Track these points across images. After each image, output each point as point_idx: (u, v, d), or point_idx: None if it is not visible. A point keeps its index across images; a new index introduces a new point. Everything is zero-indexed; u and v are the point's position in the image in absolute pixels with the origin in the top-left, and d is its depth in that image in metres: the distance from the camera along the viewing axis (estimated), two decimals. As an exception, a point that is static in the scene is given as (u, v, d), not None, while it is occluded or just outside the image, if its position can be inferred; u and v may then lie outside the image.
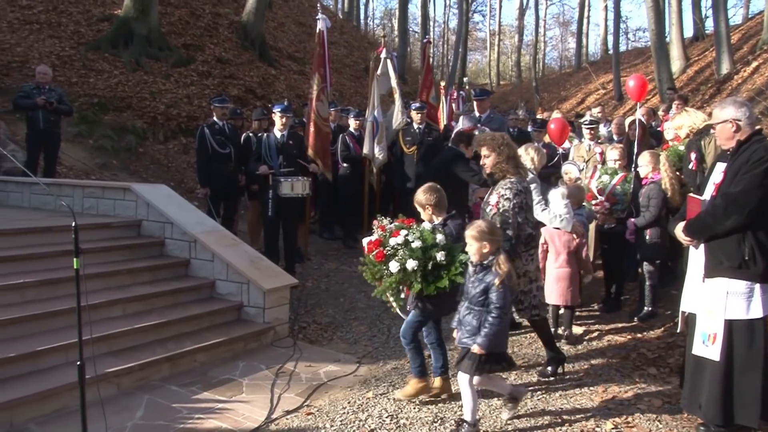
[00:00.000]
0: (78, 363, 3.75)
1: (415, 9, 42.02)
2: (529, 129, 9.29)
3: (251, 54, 16.53)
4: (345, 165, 9.71)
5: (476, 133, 8.23)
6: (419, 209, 4.73)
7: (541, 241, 6.09)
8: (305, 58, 18.81)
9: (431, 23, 45.30)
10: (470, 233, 4.15)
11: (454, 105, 14.73)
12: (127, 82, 13.01)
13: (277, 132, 7.98)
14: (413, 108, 9.65)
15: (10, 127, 9.82)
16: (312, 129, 9.08)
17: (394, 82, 10.14)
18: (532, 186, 5.46)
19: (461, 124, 9.43)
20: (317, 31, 9.82)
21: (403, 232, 4.46)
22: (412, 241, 4.39)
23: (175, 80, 13.85)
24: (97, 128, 11.61)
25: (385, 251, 4.45)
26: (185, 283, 6.37)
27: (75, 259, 3.74)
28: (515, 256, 4.67)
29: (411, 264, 4.29)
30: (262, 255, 6.91)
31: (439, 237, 4.42)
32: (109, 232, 6.67)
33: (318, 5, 10.89)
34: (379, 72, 9.91)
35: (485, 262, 4.13)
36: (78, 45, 13.78)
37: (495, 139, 4.89)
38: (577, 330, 6.36)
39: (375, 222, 4.71)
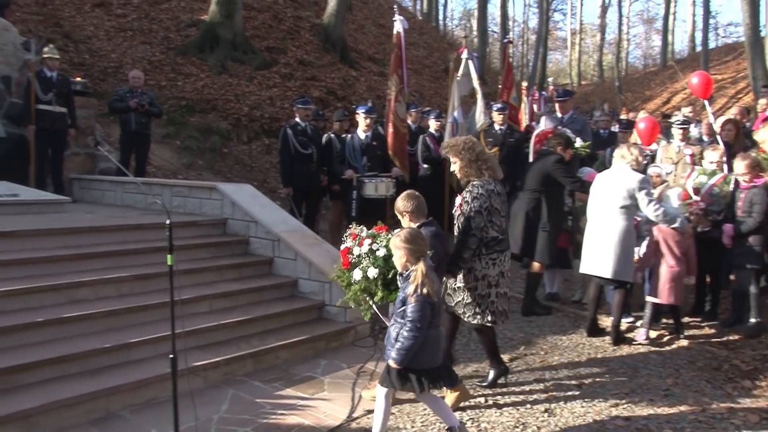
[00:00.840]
0: (171, 356, 3.86)
1: (494, 9, 41.67)
2: (615, 129, 9.06)
3: (332, 56, 16.75)
4: (425, 166, 9.70)
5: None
6: (398, 216, 4.67)
7: (653, 239, 6.15)
8: (385, 60, 18.91)
9: (510, 23, 44.80)
10: (392, 242, 4.04)
11: (535, 106, 14.53)
12: (212, 85, 13.40)
13: (361, 133, 8.05)
14: (495, 109, 9.56)
15: (105, 129, 10.27)
16: (390, 130, 9.12)
17: (475, 83, 10.07)
18: (643, 185, 5.66)
19: (543, 125, 9.29)
20: (395, 32, 9.86)
21: (367, 241, 4.52)
22: (377, 250, 4.42)
23: (259, 82, 14.17)
24: (184, 129, 12.01)
25: (350, 259, 4.53)
26: (269, 281, 6.50)
27: (169, 256, 3.87)
28: (469, 262, 4.71)
29: (372, 272, 4.34)
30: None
31: (382, 252, 4.39)
32: (196, 230, 6.89)
33: (395, 6, 10.92)
34: (460, 73, 9.86)
35: (405, 273, 3.96)
36: (167, 50, 14.32)
37: (457, 144, 4.93)
38: (651, 334, 6.27)
39: (348, 229, 4.78)
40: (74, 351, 4.67)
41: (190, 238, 6.69)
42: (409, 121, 9.99)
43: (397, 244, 3.95)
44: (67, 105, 8.79)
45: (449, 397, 4.65)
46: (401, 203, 4.61)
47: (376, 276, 4.36)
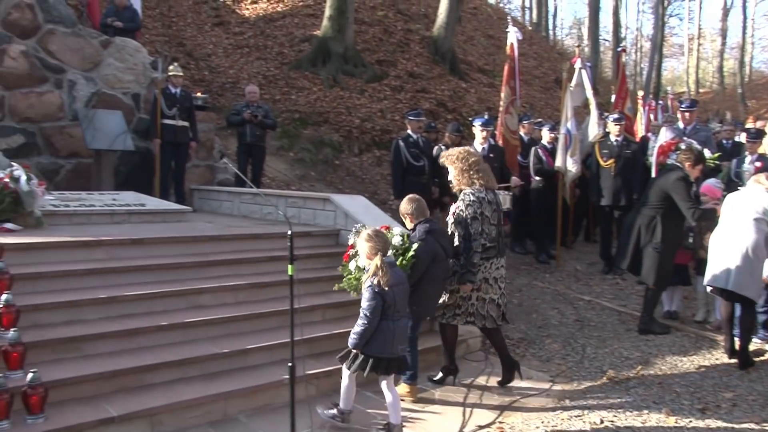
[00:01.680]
0: (290, 364, 3.93)
1: (605, 16, 40.51)
2: (738, 139, 8.56)
3: (442, 68, 16.77)
4: (537, 178, 9.51)
5: (681, 146, 7.73)
6: (402, 217, 5.21)
7: None
8: (495, 71, 18.75)
9: (623, 30, 43.38)
10: (359, 238, 4.50)
11: (652, 116, 13.94)
12: (324, 98, 13.71)
13: (478, 145, 7.97)
14: (611, 119, 9.24)
15: (223, 142, 10.70)
16: (501, 142, 9.00)
17: (589, 93, 9.80)
18: None
19: (663, 136, 8.91)
20: (508, 43, 9.74)
21: None
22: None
23: (370, 95, 14.37)
24: (298, 142, 12.33)
25: (349, 253, 5.07)
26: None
27: (290, 266, 3.95)
28: (473, 267, 5.00)
29: (362, 262, 4.68)
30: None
31: (397, 240, 4.92)
32: (310, 240, 7.01)
33: (509, 17, 10.80)
34: (573, 83, 9.62)
35: (366, 267, 4.38)
36: (281, 65, 14.79)
37: (452, 155, 5.27)
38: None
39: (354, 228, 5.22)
40: (195, 354, 4.85)
41: (304, 248, 6.81)
42: (521, 133, 9.84)
43: (360, 240, 4.43)
44: (189, 119, 9.23)
45: (401, 387, 5.05)
46: (403, 206, 5.14)
47: (364, 266, 4.69)
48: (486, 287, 5.18)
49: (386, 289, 4.20)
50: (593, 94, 9.90)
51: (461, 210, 5.10)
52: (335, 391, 5.08)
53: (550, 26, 40.84)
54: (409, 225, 5.14)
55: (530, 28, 31.22)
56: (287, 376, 4.03)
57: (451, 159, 5.27)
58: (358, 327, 4.29)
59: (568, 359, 6.17)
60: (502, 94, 9.30)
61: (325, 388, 5.12)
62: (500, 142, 8.99)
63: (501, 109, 9.18)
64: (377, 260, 4.25)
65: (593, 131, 9.65)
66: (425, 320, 5.53)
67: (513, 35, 9.58)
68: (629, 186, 8.85)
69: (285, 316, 5.55)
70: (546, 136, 9.81)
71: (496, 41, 21.74)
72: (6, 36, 8.63)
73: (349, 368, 4.42)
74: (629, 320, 7.24)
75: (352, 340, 4.32)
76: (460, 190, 5.22)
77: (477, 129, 8.04)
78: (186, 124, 9.17)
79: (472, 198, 5.07)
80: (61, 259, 5.49)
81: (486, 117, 8.55)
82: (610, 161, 8.95)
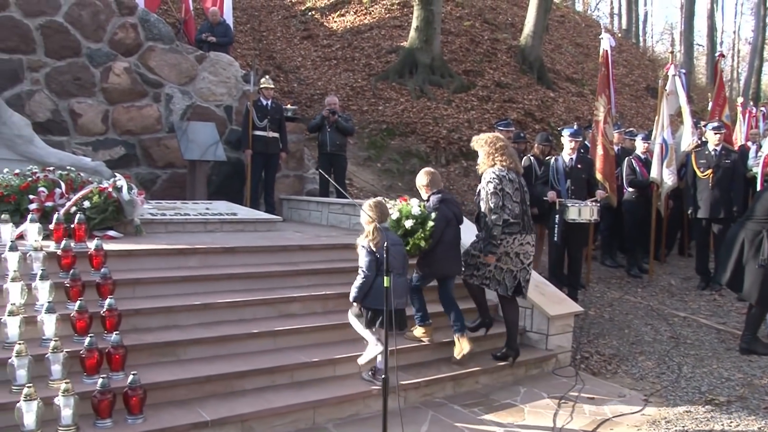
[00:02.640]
0: (383, 376, 3.94)
1: (699, 20, 38.91)
2: None
3: (529, 77, 16.52)
4: (630, 190, 9.21)
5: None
6: (419, 190, 5.79)
7: None
8: (583, 80, 18.35)
9: (718, 34, 41.56)
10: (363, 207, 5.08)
11: (752, 123, 13.30)
12: (411, 109, 13.73)
13: (566, 156, 7.78)
14: (710, 128, 8.85)
15: (311, 153, 10.87)
16: (600, 152, 8.75)
17: (683, 101, 9.45)
18: None
19: (768, 146, 8.47)
20: (601, 50, 9.49)
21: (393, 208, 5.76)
22: (391, 214, 5.57)
23: (457, 105, 14.31)
24: (385, 152, 12.40)
25: None
26: (472, 305, 6.42)
27: (386, 278, 3.97)
28: (493, 239, 5.33)
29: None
30: (546, 280, 6.79)
31: (416, 210, 5.60)
32: (397, 251, 7.01)
33: (602, 24, 10.54)
34: (667, 90, 9.29)
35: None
36: (369, 76, 14.92)
37: (481, 138, 5.66)
38: None
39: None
40: (285, 363, 4.93)
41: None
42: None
43: (363, 209, 4.98)
44: (279, 130, 9.43)
45: (417, 330, 5.60)
46: (419, 178, 5.75)
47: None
48: (506, 259, 5.47)
49: (375, 249, 4.80)
50: (687, 102, 9.53)
51: (483, 187, 5.47)
52: (423, 404, 5.09)
53: (641, 32, 39.61)
54: (424, 195, 5.74)
55: (619, 35, 30.37)
56: (377, 387, 4.03)
57: (480, 143, 5.64)
58: (356, 282, 4.91)
59: (663, 378, 5.93)
60: (599, 103, 9.05)
61: (413, 399, 5.11)
62: (600, 153, 8.73)
63: (599, 118, 8.91)
64: (372, 227, 4.87)
65: (687, 141, 9.29)
66: (451, 278, 5.82)
67: (606, 42, 9.32)
68: (728, 198, 8.45)
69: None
70: (640, 146, 9.49)
71: (584, 49, 21.27)
72: (112, 54, 9.10)
73: (360, 320, 4.97)
74: (729, 339, 6.90)
75: (352, 293, 4.92)
76: (485, 171, 5.55)
77: (566, 139, 7.84)
78: (276, 135, 9.37)
79: (492, 175, 5.41)
80: (158, 266, 5.71)
81: (575, 127, 8.34)
82: (708, 172, 8.57)
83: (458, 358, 5.46)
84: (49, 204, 6.17)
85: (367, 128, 12.71)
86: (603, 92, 9.04)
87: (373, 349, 4.93)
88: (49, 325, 4.39)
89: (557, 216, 7.49)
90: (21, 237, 5.42)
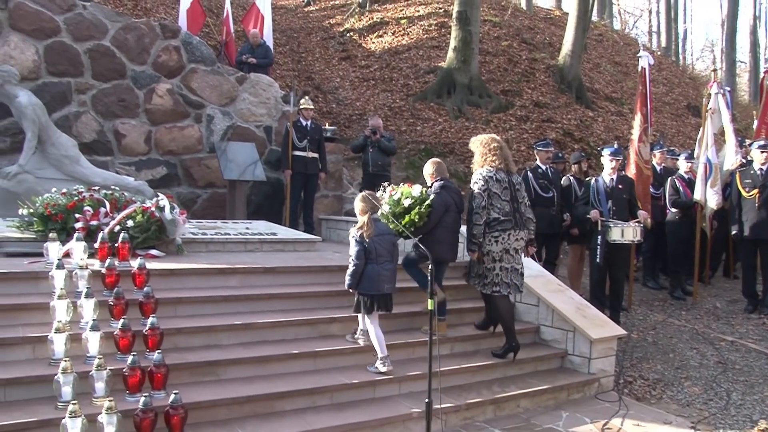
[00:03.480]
0: (426, 400, 3.91)
1: (740, 36, 38.22)
2: None
3: (568, 97, 16.42)
4: (673, 210, 9.04)
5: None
6: (425, 178, 6.19)
7: None
8: (623, 99, 18.15)
9: (761, 50, 40.77)
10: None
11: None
12: (450, 129, 13.73)
13: (606, 176, 7.67)
14: (756, 146, 8.64)
15: (350, 173, 10.92)
16: (634, 171, 8.62)
17: (726, 120, 9.25)
18: None
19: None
20: (639, 68, 9.38)
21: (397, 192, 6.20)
22: (393, 195, 6.10)
23: (495, 125, 14.26)
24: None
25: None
26: (471, 303, 6.47)
27: (429, 300, 3.95)
28: (474, 237, 5.64)
29: (384, 208, 5.79)
30: (587, 302, 6.67)
31: (416, 192, 5.97)
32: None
33: (640, 43, 10.41)
34: (710, 109, 9.11)
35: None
36: (407, 96, 14.98)
37: (478, 140, 5.95)
38: None
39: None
40: (325, 384, 4.91)
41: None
42: (654, 162, 9.41)
43: (356, 200, 5.37)
44: (318, 151, 9.48)
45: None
46: (426, 167, 6.17)
47: (386, 211, 5.80)
48: (507, 257, 5.70)
49: (368, 239, 5.13)
50: (731, 121, 9.34)
51: (473, 186, 5.75)
52: (463, 428, 5.02)
53: (680, 50, 39.08)
54: (429, 183, 6.12)
55: (659, 53, 30.03)
56: (417, 410, 3.98)
57: (476, 144, 5.94)
58: (348, 270, 5.23)
59: (711, 405, 5.76)
60: (634, 122, 8.93)
61: (454, 422, 5.04)
62: (633, 172, 8.60)
63: (634, 137, 8.81)
64: (365, 218, 5.18)
65: (731, 160, 9.09)
66: (445, 264, 6.12)
67: (645, 60, 9.21)
68: (775, 218, 8.22)
69: (413, 348, 5.62)
70: (683, 165, 9.32)
71: (623, 68, 21.06)
72: (155, 76, 9.29)
73: (358, 311, 5.26)
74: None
75: (347, 281, 5.24)
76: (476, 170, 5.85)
77: (606, 158, 7.72)
78: (316, 155, 9.43)
79: (478, 176, 5.72)
80: (200, 285, 5.75)
81: (615, 146, 8.22)
82: (754, 192, 8.35)
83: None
84: (94, 223, 6.25)
85: (405, 148, 12.72)
86: (640, 110, 8.93)
87: (371, 332, 5.23)
88: (93, 342, 4.43)
89: (599, 237, 7.37)
90: (67, 255, 5.50)
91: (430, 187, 6.05)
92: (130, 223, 6.19)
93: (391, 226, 5.62)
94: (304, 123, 9.44)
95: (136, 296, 5.00)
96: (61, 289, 4.75)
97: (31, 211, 6.39)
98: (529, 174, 8.38)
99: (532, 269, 6.77)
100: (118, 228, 6.09)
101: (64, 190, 6.68)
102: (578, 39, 16.81)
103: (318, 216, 9.83)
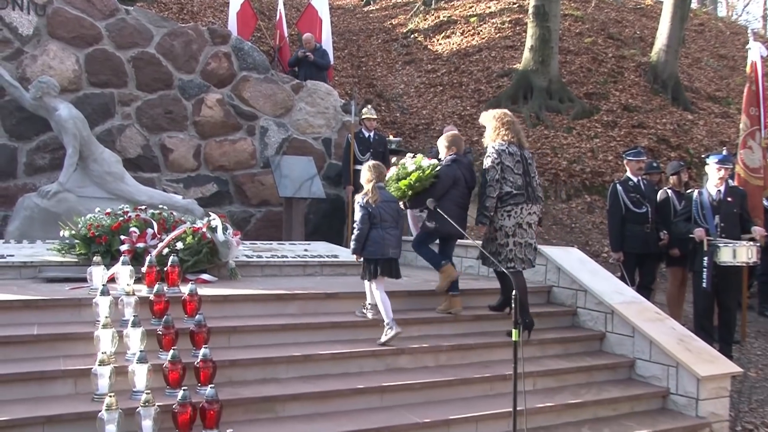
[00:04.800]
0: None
1: None
2: None
3: (663, 98, 16.04)
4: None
5: None
6: (440, 149, 6.66)
7: None
8: (729, 98, 17.60)
9: None
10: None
11: None
12: (527, 138, 13.57)
13: (712, 188, 7.42)
14: None
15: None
16: (737, 182, 8.34)
17: None
18: None
19: None
20: (749, 62, 9.10)
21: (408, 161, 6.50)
22: (403, 164, 6.44)
23: (578, 133, 14.06)
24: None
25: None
26: (600, 359, 6.25)
27: (514, 330, 3.89)
28: (486, 210, 6.09)
29: (391, 172, 6.39)
30: (692, 333, 6.46)
31: (425, 163, 6.31)
32: (516, 298, 6.88)
33: (749, 31, 10.10)
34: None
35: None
36: (478, 103, 14.91)
37: (490, 113, 6.43)
38: None
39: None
40: (393, 423, 4.86)
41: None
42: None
43: (363, 169, 6.01)
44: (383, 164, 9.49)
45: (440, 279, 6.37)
46: (440, 140, 6.65)
47: (391, 175, 6.35)
48: (521, 232, 6.10)
49: (374, 205, 5.72)
50: None
51: (484, 162, 6.18)
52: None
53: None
54: (443, 155, 6.51)
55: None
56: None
57: (488, 117, 6.37)
58: (353, 235, 5.82)
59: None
60: (741, 125, 8.65)
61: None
62: (736, 182, 8.33)
63: (738, 142, 8.53)
64: (370, 186, 5.81)
65: None
66: (453, 239, 6.68)
67: (755, 52, 8.93)
68: None
69: (493, 383, 5.54)
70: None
71: (729, 62, 20.44)
72: (204, 85, 9.53)
73: (364, 278, 5.80)
74: None
75: (351, 246, 5.86)
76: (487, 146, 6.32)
77: (712, 167, 7.45)
78: (379, 169, 9.45)
79: (491, 150, 6.15)
80: (255, 313, 5.82)
81: (724, 153, 7.97)
82: None
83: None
84: (141, 245, 6.41)
85: (478, 161, 12.64)
86: (747, 111, 8.66)
87: (377, 297, 5.72)
88: (140, 376, 4.49)
89: (706, 258, 7.12)
90: (112, 280, 5.64)
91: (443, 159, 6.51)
92: (179, 245, 6.32)
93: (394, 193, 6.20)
94: (366, 134, 9.51)
95: (186, 325, 5.07)
96: (106, 317, 4.84)
97: (73, 232, 6.60)
98: (619, 187, 8.18)
99: (625, 295, 6.64)
100: (166, 251, 6.22)
101: (108, 210, 6.88)
102: (675, 31, 16.39)
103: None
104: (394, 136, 11.11)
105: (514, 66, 15.98)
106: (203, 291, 5.63)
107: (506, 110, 6.58)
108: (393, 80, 16.00)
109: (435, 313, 6.28)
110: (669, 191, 8.33)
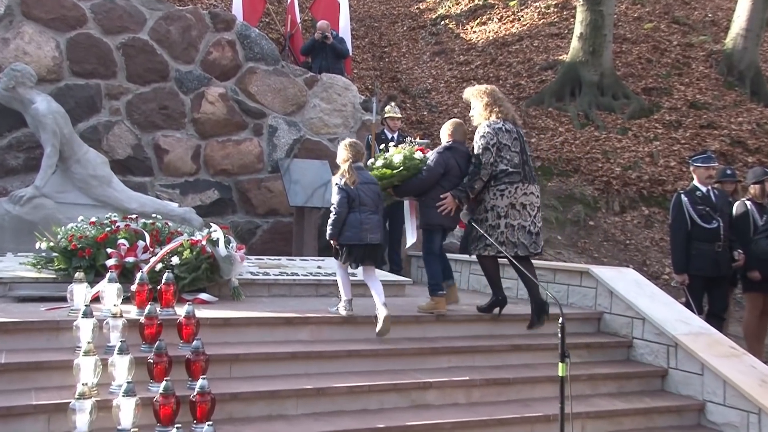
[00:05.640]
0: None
1: None
2: None
3: (739, 93, 15.88)
4: None
5: None
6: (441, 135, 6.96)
7: None
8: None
9: None
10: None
11: None
12: (574, 141, 13.58)
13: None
14: None
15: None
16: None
17: None
18: None
19: None
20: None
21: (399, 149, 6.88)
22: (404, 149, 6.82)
23: (634, 135, 14.01)
24: (540, 197, 12.23)
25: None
26: (661, 401, 6.18)
27: (560, 364, 3.87)
28: (470, 189, 6.47)
29: (378, 163, 6.75)
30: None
31: (419, 155, 6.70)
32: (562, 326, 6.83)
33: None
34: None
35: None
36: (518, 100, 14.92)
37: (478, 89, 6.74)
38: None
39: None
40: (419, 470, 4.84)
41: (554, 335, 6.63)
42: None
43: (340, 147, 6.31)
44: (408, 170, 9.49)
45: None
46: (444, 127, 6.87)
47: (378, 165, 6.69)
48: (513, 213, 6.35)
49: (351, 187, 6.01)
50: None
51: (476, 141, 6.48)
52: None
53: None
54: (445, 140, 6.78)
55: None
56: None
57: (477, 93, 6.67)
58: (330, 219, 6.11)
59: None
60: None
61: None
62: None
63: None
64: (347, 165, 6.11)
65: None
66: (445, 231, 6.99)
67: None
68: None
69: (534, 425, 5.52)
70: None
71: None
72: (205, 78, 9.55)
73: (338, 258, 6.20)
74: None
75: (328, 231, 6.16)
76: (479, 124, 6.58)
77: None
78: (404, 175, 9.44)
79: (486, 129, 6.43)
80: (261, 339, 5.82)
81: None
82: None
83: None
84: (131, 260, 6.42)
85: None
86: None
87: (337, 274, 6.31)
88: (126, 411, 4.42)
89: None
90: (96, 299, 5.63)
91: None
92: (175, 260, 6.32)
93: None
94: (389, 135, 9.50)
95: (182, 352, 5.08)
96: (88, 342, 4.80)
97: (51, 244, 6.59)
98: (684, 198, 8.08)
99: (691, 325, 6.55)
100: (160, 266, 6.23)
101: (93, 219, 6.88)
102: (756, 12, 16.15)
103: (407, 253, 9.80)
104: (421, 138, 11.07)
105: (560, 57, 15.98)
106: (201, 313, 5.63)
107: (493, 86, 6.91)
108: (420, 73, 16.03)
109: (464, 342, 6.27)
110: (748, 203, 8.20)
